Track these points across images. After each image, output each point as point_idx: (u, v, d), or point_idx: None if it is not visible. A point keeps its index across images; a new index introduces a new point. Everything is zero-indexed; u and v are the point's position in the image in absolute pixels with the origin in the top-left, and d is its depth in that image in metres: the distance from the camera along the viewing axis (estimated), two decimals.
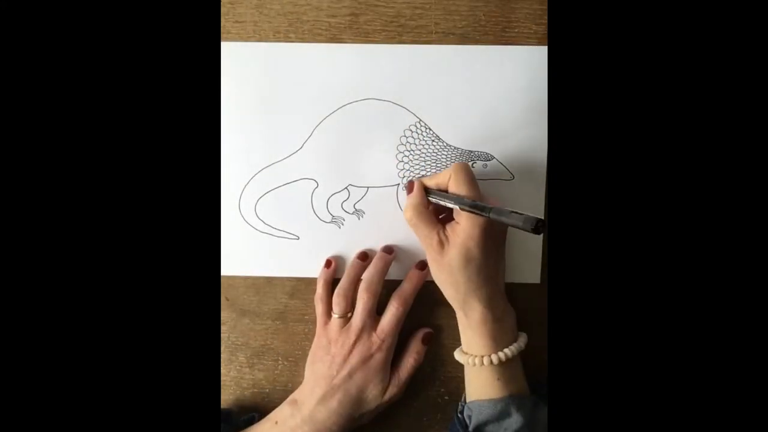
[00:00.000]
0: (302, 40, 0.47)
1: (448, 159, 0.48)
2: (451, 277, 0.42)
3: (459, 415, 0.45)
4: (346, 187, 0.49)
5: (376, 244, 0.49)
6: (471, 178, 0.42)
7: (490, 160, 0.48)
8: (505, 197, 0.48)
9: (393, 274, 0.49)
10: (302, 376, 0.50)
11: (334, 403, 0.45)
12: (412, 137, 0.47)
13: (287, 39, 0.47)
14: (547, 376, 0.47)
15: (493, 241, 0.42)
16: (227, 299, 0.50)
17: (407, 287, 0.48)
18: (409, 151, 0.48)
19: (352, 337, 0.46)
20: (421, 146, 0.48)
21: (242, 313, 0.50)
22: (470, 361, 0.44)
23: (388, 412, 0.48)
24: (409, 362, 0.48)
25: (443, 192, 0.43)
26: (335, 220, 0.49)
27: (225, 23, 0.47)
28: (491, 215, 0.37)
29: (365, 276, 0.47)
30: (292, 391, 0.50)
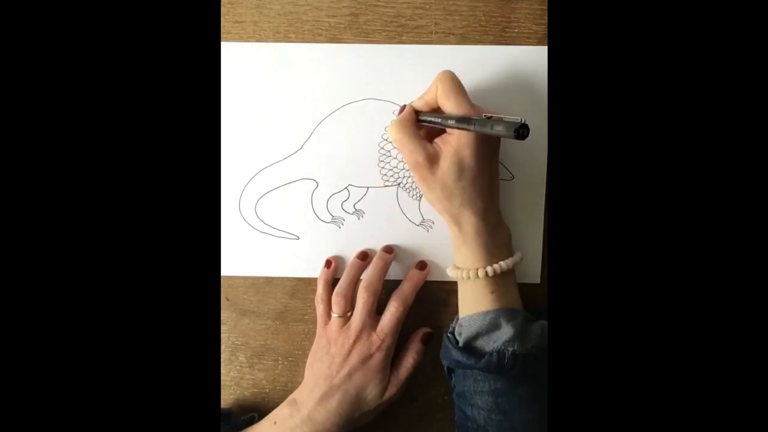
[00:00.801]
0: (302, 40, 0.47)
1: None
2: (444, 190, 0.41)
3: (449, 334, 0.45)
4: (346, 187, 0.49)
5: (376, 244, 0.49)
6: (457, 87, 0.41)
7: None
8: (505, 197, 0.48)
9: (393, 274, 0.49)
10: (302, 376, 0.50)
11: (333, 403, 0.45)
12: None
13: (287, 39, 0.47)
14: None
15: (486, 150, 0.41)
16: (227, 299, 0.50)
17: (407, 287, 0.48)
18: None
19: (352, 336, 0.46)
20: None
21: (242, 313, 0.50)
22: (463, 274, 0.43)
23: (388, 412, 0.48)
24: (408, 362, 0.48)
25: (432, 112, 0.42)
26: (335, 220, 0.49)
27: (225, 23, 0.47)
28: (476, 128, 0.36)
29: (365, 275, 0.47)
30: (292, 391, 0.50)
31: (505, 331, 0.42)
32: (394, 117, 0.47)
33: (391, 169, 0.48)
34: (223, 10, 0.46)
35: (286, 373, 0.50)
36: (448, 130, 0.41)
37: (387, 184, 0.48)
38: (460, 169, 0.40)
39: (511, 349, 0.41)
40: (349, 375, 0.45)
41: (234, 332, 0.51)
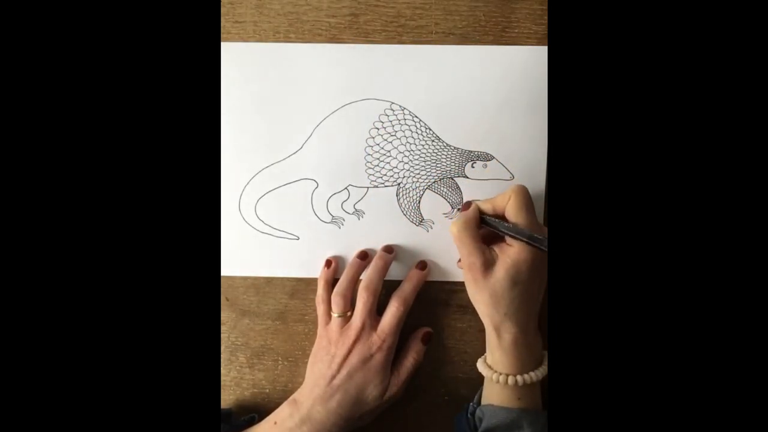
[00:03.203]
0: (302, 40, 0.47)
1: (448, 159, 0.48)
2: (493, 297, 0.42)
3: (469, 416, 0.45)
4: (346, 187, 0.49)
5: (376, 244, 0.49)
6: (530, 203, 0.42)
7: (490, 160, 0.48)
8: None
9: (393, 274, 0.49)
10: (302, 377, 0.50)
11: (333, 403, 0.45)
12: (412, 137, 0.47)
13: (287, 39, 0.47)
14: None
15: (541, 267, 0.42)
16: (227, 299, 0.50)
17: (407, 287, 0.48)
18: (409, 151, 0.48)
19: (352, 336, 0.46)
20: (421, 146, 0.48)
21: (242, 314, 0.50)
22: (494, 377, 0.44)
23: (388, 412, 0.48)
24: (409, 362, 0.48)
25: (498, 218, 0.43)
26: (335, 220, 0.49)
27: (225, 23, 0.47)
28: (544, 248, 0.38)
29: (365, 275, 0.47)
30: (292, 392, 0.50)
31: None
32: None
33: (392, 169, 0.48)
34: (223, 10, 0.46)
35: (286, 374, 0.50)
36: (508, 240, 0.42)
37: (387, 184, 0.48)
38: (515, 281, 0.41)
39: None
40: (350, 375, 0.45)
41: (234, 332, 0.51)
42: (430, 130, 0.47)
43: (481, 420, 0.44)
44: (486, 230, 0.44)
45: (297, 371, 0.50)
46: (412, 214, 0.49)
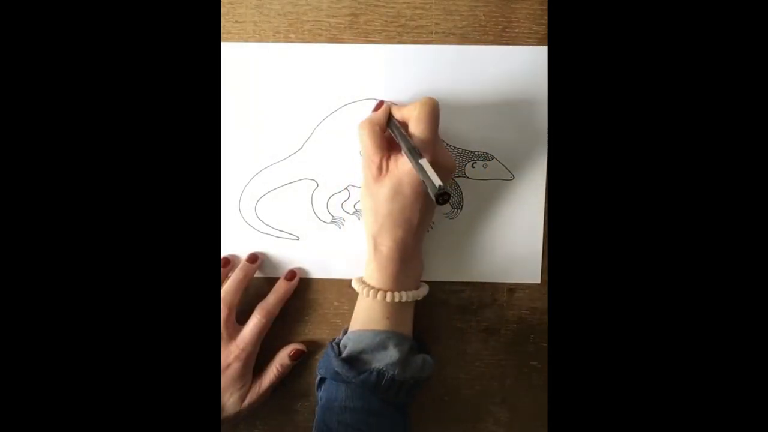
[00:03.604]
0: (302, 40, 0.47)
1: None
2: (375, 205, 0.42)
3: (334, 344, 0.45)
4: (346, 188, 0.48)
5: None
6: (431, 117, 0.41)
7: (490, 160, 0.48)
8: (505, 197, 0.48)
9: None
10: (302, 377, 0.50)
11: None
12: None
13: (287, 39, 0.47)
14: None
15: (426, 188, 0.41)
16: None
17: (272, 298, 0.48)
18: None
19: None
20: None
21: (242, 314, 0.50)
22: (365, 291, 0.43)
23: None
24: (272, 372, 0.48)
25: (401, 125, 0.42)
26: (335, 221, 0.49)
27: (225, 23, 0.47)
28: (414, 163, 0.37)
29: (223, 287, 0.47)
30: (291, 393, 0.50)
31: (390, 354, 0.42)
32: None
33: None
34: (223, 10, 0.46)
35: (286, 374, 0.50)
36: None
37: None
38: (395, 192, 0.41)
39: (391, 372, 0.41)
40: None
41: None
42: None
43: (345, 347, 0.44)
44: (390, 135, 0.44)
45: (297, 371, 0.50)
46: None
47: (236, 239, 0.49)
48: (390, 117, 0.43)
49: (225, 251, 0.49)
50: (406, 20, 0.46)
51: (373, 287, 0.43)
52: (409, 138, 0.40)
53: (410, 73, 0.47)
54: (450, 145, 0.47)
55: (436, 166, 0.38)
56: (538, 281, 0.49)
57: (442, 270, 0.49)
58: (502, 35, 0.46)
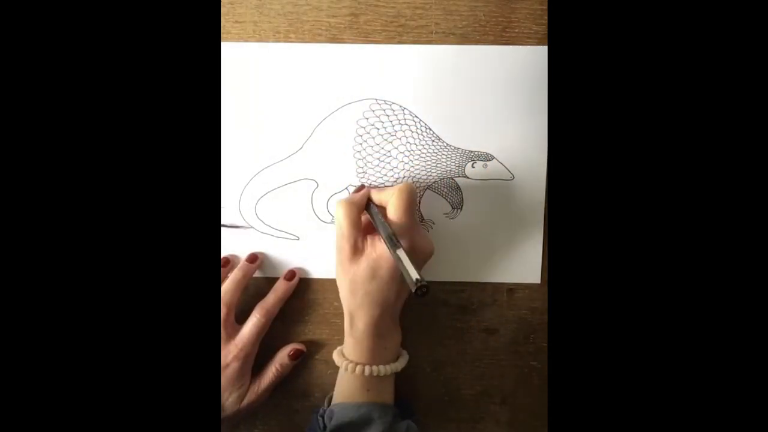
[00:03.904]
0: (302, 40, 0.47)
1: (448, 159, 0.48)
2: (352, 285, 0.43)
3: (319, 417, 0.45)
4: (346, 188, 0.49)
5: None
6: (408, 204, 0.42)
7: (490, 160, 0.48)
8: (505, 197, 0.48)
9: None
10: (302, 376, 0.50)
11: None
12: (412, 137, 0.47)
13: (287, 39, 0.47)
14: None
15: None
16: None
17: (271, 298, 0.48)
18: (409, 151, 0.48)
19: None
20: (421, 146, 0.48)
21: (242, 314, 0.50)
22: (344, 365, 0.44)
23: None
24: (271, 372, 0.49)
25: (379, 210, 0.44)
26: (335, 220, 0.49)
27: (225, 23, 0.47)
28: (395, 255, 0.38)
29: (222, 287, 0.47)
30: (291, 393, 0.50)
31: (374, 427, 0.43)
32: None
33: (392, 169, 0.48)
34: (223, 10, 0.46)
35: (286, 375, 0.50)
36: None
37: (387, 184, 0.48)
38: (373, 275, 0.42)
39: None
40: None
41: None
42: (430, 130, 0.47)
43: (330, 419, 0.44)
44: (368, 221, 0.45)
45: (296, 372, 0.50)
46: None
47: (236, 239, 0.49)
48: (369, 201, 0.44)
49: (225, 251, 0.49)
50: (406, 20, 0.46)
51: (351, 361, 0.44)
52: (387, 225, 0.41)
53: (410, 73, 0.47)
54: (450, 145, 0.47)
55: (414, 252, 0.40)
56: (538, 281, 0.49)
57: (442, 270, 0.49)
58: (502, 35, 0.46)
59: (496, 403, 0.51)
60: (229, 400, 0.47)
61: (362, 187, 0.47)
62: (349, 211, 0.42)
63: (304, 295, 0.50)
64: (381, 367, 0.44)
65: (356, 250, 0.42)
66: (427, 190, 0.48)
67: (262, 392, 0.48)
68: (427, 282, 0.35)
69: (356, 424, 0.43)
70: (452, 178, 0.48)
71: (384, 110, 0.47)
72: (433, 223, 0.49)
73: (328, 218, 0.49)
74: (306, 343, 0.50)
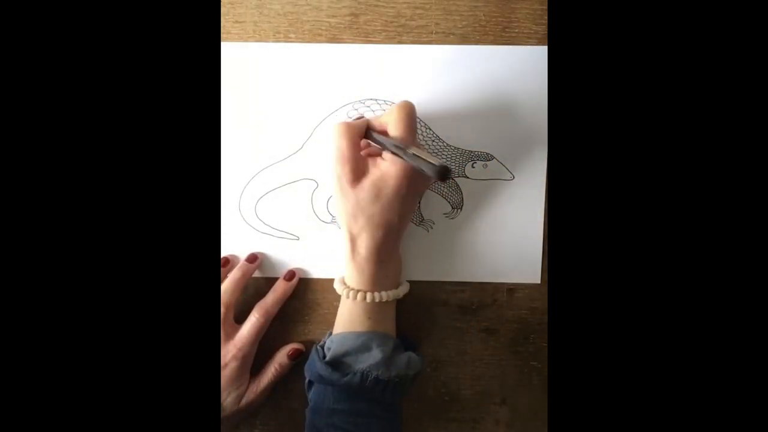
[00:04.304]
0: (302, 40, 0.47)
1: (449, 159, 0.48)
2: (354, 208, 0.42)
3: (319, 347, 0.45)
4: None
5: None
6: (410, 119, 0.41)
7: (490, 160, 0.48)
8: (505, 197, 0.48)
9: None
10: (302, 376, 0.50)
11: None
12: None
13: (287, 39, 0.47)
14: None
15: (409, 188, 0.42)
16: None
17: (270, 298, 0.48)
18: None
19: None
20: (422, 146, 0.47)
21: (242, 314, 0.50)
22: (346, 293, 0.44)
23: None
24: (270, 372, 0.49)
25: (380, 133, 0.42)
26: (335, 220, 0.49)
27: (225, 23, 0.47)
28: (407, 157, 0.37)
29: (221, 286, 0.47)
30: (291, 393, 0.50)
31: (374, 355, 0.43)
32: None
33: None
34: (223, 10, 0.46)
35: (286, 375, 0.50)
36: (383, 155, 0.42)
37: None
38: (377, 195, 0.41)
39: (375, 373, 0.42)
40: None
41: None
42: (430, 130, 0.47)
43: (329, 350, 0.44)
44: (368, 150, 0.44)
45: (296, 372, 0.50)
46: (412, 214, 0.49)
47: (236, 239, 0.49)
48: (368, 128, 0.44)
49: (225, 251, 0.49)
50: (406, 20, 0.46)
51: (352, 288, 0.44)
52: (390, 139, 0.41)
53: (410, 73, 0.47)
54: (450, 145, 0.47)
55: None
56: (538, 281, 0.49)
57: (442, 270, 0.49)
58: (502, 35, 0.46)
59: (496, 403, 0.51)
60: (227, 399, 0.47)
61: (360, 117, 0.46)
62: (349, 132, 0.41)
63: (303, 295, 0.50)
64: (383, 293, 0.44)
65: (358, 173, 0.41)
66: (427, 190, 0.48)
67: (260, 392, 0.48)
68: (447, 163, 0.33)
69: (355, 352, 0.43)
70: (452, 178, 0.48)
71: (384, 110, 0.47)
72: (433, 223, 0.49)
73: (328, 218, 0.49)
74: (306, 343, 0.50)
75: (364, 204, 0.41)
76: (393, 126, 0.41)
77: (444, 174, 0.33)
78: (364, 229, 0.42)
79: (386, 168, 0.41)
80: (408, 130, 0.41)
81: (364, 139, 0.43)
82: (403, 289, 0.46)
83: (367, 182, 0.41)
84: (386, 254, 0.44)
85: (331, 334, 0.46)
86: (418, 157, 0.36)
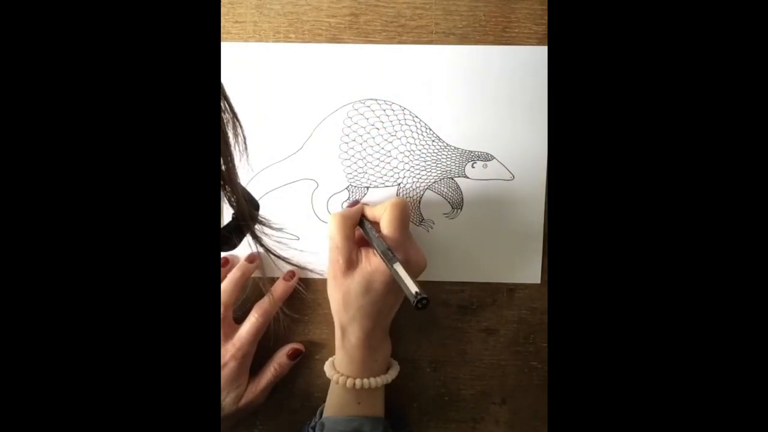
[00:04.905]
0: (302, 40, 0.47)
1: (449, 159, 0.48)
2: (345, 298, 0.43)
3: (310, 429, 0.46)
4: (346, 188, 0.49)
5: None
6: (401, 219, 0.42)
7: (490, 160, 0.48)
8: (505, 197, 0.48)
9: None
10: (302, 376, 0.50)
11: None
12: (413, 137, 0.47)
13: (287, 39, 0.47)
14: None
15: (398, 285, 0.42)
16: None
17: (270, 298, 0.48)
18: (409, 151, 0.48)
19: None
20: (422, 146, 0.48)
21: (243, 314, 0.50)
22: (336, 378, 0.45)
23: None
24: (269, 372, 0.49)
25: (373, 225, 0.44)
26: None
27: (225, 23, 0.47)
28: (392, 270, 0.38)
29: (221, 286, 0.47)
30: (291, 393, 0.50)
31: None
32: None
33: (392, 170, 0.48)
34: (223, 10, 0.46)
35: (286, 375, 0.50)
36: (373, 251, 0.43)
37: (387, 184, 0.48)
38: (367, 289, 0.42)
39: None
40: None
41: None
42: (430, 130, 0.47)
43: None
44: (361, 235, 0.45)
45: (296, 372, 0.50)
46: (412, 214, 0.49)
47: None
48: (362, 216, 0.45)
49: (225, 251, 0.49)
50: (406, 20, 0.46)
51: (342, 374, 0.45)
52: (382, 240, 0.41)
53: (410, 73, 0.47)
54: (450, 145, 0.47)
55: (408, 265, 0.39)
56: (538, 281, 0.49)
57: (442, 270, 0.49)
58: (502, 35, 0.46)
59: (496, 403, 0.51)
60: (226, 399, 0.47)
61: (356, 202, 0.47)
62: (343, 224, 0.43)
63: (303, 295, 0.50)
64: (372, 379, 0.44)
65: (350, 264, 0.43)
66: (427, 190, 0.48)
67: (259, 392, 0.48)
68: (426, 295, 0.35)
69: None
70: (452, 178, 0.48)
71: (384, 110, 0.47)
72: (433, 223, 0.49)
73: (328, 218, 0.49)
74: (305, 343, 0.50)
75: (354, 296, 0.42)
76: (385, 224, 0.42)
77: (421, 304, 0.35)
78: (355, 319, 0.43)
79: (376, 264, 0.42)
80: (399, 230, 0.42)
81: (358, 227, 0.44)
82: (393, 374, 0.46)
83: (357, 275, 0.42)
84: (376, 341, 0.45)
85: (321, 413, 0.47)
86: (400, 276, 0.37)
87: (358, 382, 0.44)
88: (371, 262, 0.42)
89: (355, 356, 0.44)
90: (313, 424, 0.46)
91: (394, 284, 0.41)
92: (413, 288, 0.36)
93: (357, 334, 0.44)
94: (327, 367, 0.46)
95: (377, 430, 0.44)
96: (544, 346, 0.51)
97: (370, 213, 0.45)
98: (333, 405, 0.46)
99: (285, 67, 0.47)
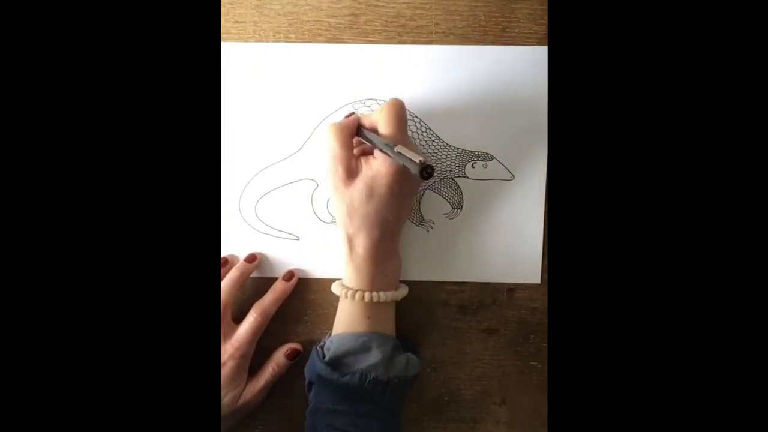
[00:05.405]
0: (302, 40, 0.47)
1: (449, 159, 0.48)
2: (349, 208, 0.42)
3: (318, 348, 0.45)
4: None
5: None
6: (400, 117, 0.41)
7: (490, 160, 0.48)
8: (505, 197, 0.48)
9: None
10: (302, 376, 0.50)
11: None
12: (413, 137, 0.47)
13: (287, 39, 0.47)
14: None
15: (403, 186, 0.42)
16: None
17: (269, 298, 0.48)
18: None
19: None
20: (421, 146, 0.48)
21: (242, 314, 0.50)
22: (344, 293, 0.44)
23: None
24: (267, 372, 0.48)
25: (370, 131, 0.43)
26: (335, 221, 0.49)
27: (225, 23, 0.47)
28: (395, 154, 0.37)
29: (222, 284, 0.47)
30: (290, 393, 0.50)
31: (373, 355, 0.43)
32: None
33: None
34: (223, 10, 0.46)
35: (285, 375, 0.50)
36: (375, 153, 0.42)
37: None
38: (370, 194, 0.41)
39: (374, 373, 0.42)
40: None
41: None
42: (430, 130, 0.47)
43: (329, 350, 0.44)
44: (361, 148, 0.44)
45: (296, 372, 0.50)
46: (412, 214, 0.49)
47: (236, 239, 0.49)
48: (359, 126, 0.44)
49: (225, 251, 0.49)
50: (406, 20, 0.46)
51: (351, 288, 0.44)
52: (380, 138, 0.41)
53: (410, 73, 0.47)
54: (450, 145, 0.47)
55: None
56: (538, 281, 0.49)
57: (443, 270, 0.49)
58: (502, 35, 0.46)
59: (496, 403, 0.51)
60: (225, 399, 0.47)
61: (351, 114, 0.46)
62: (340, 132, 0.42)
63: (303, 295, 0.50)
64: (381, 293, 0.44)
65: (350, 173, 0.42)
66: (427, 190, 0.48)
67: (258, 392, 0.48)
68: (431, 162, 0.34)
69: (354, 352, 0.43)
70: (452, 178, 0.48)
71: None
72: (433, 223, 0.49)
73: (328, 218, 0.49)
74: (305, 343, 0.50)
75: (358, 203, 0.41)
76: (383, 124, 0.41)
77: (425, 172, 0.33)
78: (361, 229, 0.42)
79: (377, 167, 0.41)
80: (398, 127, 0.41)
81: (356, 137, 0.43)
82: (402, 292, 0.46)
83: (359, 182, 0.41)
84: (384, 253, 0.44)
85: (330, 334, 0.46)
86: (403, 155, 0.36)
87: (367, 295, 0.43)
88: (372, 167, 0.41)
89: (363, 268, 0.43)
90: (322, 343, 0.46)
91: (396, 188, 0.41)
92: (416, 157, 0.35)
93: (364, 244, 0.43)
94: (335, 287, 0.45)
95: (386, 346, 0.43)
96: (544, 346, 0.51)
97: (366, 121, 0.43)
98: (342, 322, 0.45)
99: (285, 67, 0.47)
